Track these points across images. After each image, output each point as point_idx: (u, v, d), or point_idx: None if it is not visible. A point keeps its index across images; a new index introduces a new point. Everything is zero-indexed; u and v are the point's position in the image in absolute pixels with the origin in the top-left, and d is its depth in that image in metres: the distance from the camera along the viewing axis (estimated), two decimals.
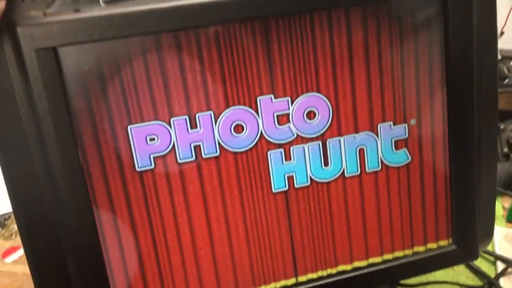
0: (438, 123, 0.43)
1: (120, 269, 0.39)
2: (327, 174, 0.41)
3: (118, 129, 0.36)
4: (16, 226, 0.78)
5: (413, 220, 0.45)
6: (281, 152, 0.40)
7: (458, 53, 0.41)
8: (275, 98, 0.38)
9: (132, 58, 0.35)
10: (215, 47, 0.36)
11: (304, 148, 0.40)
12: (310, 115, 0.39)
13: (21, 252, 0.73)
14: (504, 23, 0.90)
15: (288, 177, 0.40)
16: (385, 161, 0.42)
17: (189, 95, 0.37)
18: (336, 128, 0.40)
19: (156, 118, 0.36)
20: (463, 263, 0.63)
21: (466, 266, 0.64)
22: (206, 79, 0.37)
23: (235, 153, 0.39)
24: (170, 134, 0.37)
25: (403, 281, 0.60)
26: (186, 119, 0.37)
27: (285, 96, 0.38)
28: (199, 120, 0.37)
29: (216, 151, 0.38)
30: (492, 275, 0.62)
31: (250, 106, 0.38)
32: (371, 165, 0.42)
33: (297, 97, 0.39)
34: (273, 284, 0.43)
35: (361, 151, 0.41)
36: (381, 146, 0.42)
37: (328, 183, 0.42)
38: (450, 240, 0.47)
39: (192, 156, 0.38)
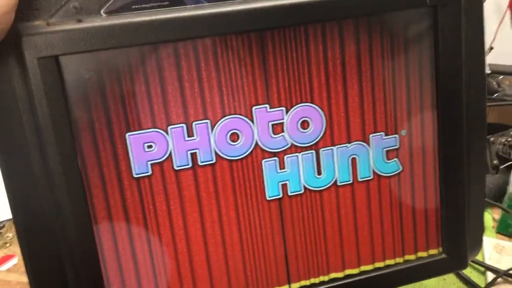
0: (429, 135, 0.44)
1: (116, 274, 0.39)
2: (320, 182, 0.42)
3: (116, 136, 0.37)
4: (11, 235, 0.78)
5: (404, 229, 0.46)
6: (275, 161, 0.41)
7: (448, 67, 0.42)
8: (270, 108, 0.39)
9: (131, 67, 0.36)
10: (212, 58, 0.37)
11: (298, 157, 0.41)
12: (304, 124, 0.41)
13: (15, 260, 0.73)
14: (493, 39, 0.92)
15: (282, 185, 0.41)
16: (376, 171, 0.43)
17: (187, 104, 0.38)
18: (329, 137, 0.41)
19: (154, 126, 0.37)
20: (453, 271, 0.64)
21: (457, 276, 0.65)
22: (203, 88, 0.38)
23: (231, 161, 0.40)
24: (167, 142, 0.38)
25: None
26: (183, 127, 0.38)
27: (280, 106, 0.39)
28: (196, 128, 0.38)
29: (212, 159, 0.39)
30: (482, 285, 0.63)
31: (246, 116, 0.39)
32: (363, 174, 0.43)
33: (291, 107, 0.40)
34: None
35: (353, 160, 0.43)
36: (372, 155, 0.43)
37: (321, 191, 0.42)
38: (440, 249, 0.48)
39: (188, 164, 0.39)
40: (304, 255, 0.44)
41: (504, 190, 0.79)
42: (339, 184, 0.43)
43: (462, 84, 0.42)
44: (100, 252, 0.39)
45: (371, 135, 0.42)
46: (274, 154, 0.40)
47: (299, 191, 0.42)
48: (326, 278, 0.45)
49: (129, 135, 0.37)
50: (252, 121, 0.39)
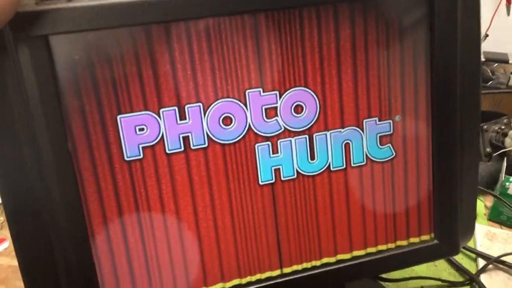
0: (422, 121, 0.44)
1: (107, 258, 0.39)
2: (313, 167, 0.42)
3: (107, 119, 0.36)
4: (2, 218, 0.78)
5: (396, 214, 0.46)
6: (268, 145, 0.40)
7: (443, 53, 0.42)
8: (263, 91, 0.39)
9: (122, 48, 0.35)
10: (205, 40, 0.37)
11: (291, 141, 0.41)
12: (298, 109, 0.40)
13: (6, 244, 0.73)
14: (488, 26, 0.92)
15: (275, 170, 0.41)
16: (370, 156, 0.43)
17: (179, 86, 0.37)
18: (323, 122, 0.41)
19: (146, 109, 0.37)
20: (445, 257, 0.64)
21: (448, 262, 0.66)
22: (195, 71, 0.37)
23: (223, 145, 0.39)
24: (159, 125, 0.37)
25: (386, 276, 0.61)
26: (175, 110, 0.37)
27: (273, 89, 0.39)
28: (188, 112, 0.38)
29: (205, 143, 0.39)
30: (473, 271, 0.63)
31: (239, 99, 0.39)
32: (356, 160, 0.43)
33: (285, 91, 0.39)
34: (258, 275, 0.44)
35: (347, 146, 0.42)
36: (366, 141, 0.43)
37: (314, 176, 0.42)
38: (432, 235, 0.48)
39: (180, 147, 0.38)
40: (297, 240, 0.44)
41: (497, 177, 0.79)
42: (332, 169, 0.43)
43: (457, 70, 0.42)
44: (91, 236, 0.38)
45: (365, 120, 0.42)
46: (267, 139, 0.40)
47: (292, 176, 0.42)
48: (318, 263, 0.45)
49: (120, 118, 0.37)
50: (245, 105, 0.39)
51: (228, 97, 0.38)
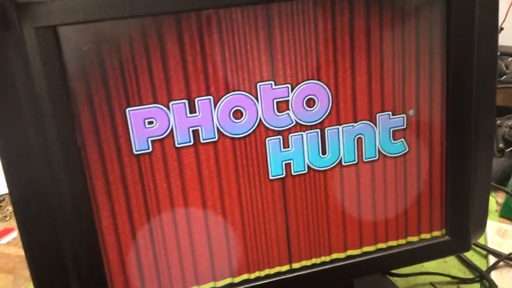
0: (436, 115, 0.43)
1: (115, 251, 0.39)
2: (325, 162, 0.41)
3: (116, 112, 0.36)
4: (10, 208, 0.78)
5: (407, 210, 0.45)
6: (279, 139, 0.40)
7: (459, 46, 0.41)
8: (275, 84, 0.38)
9: (132, 40, 0.35)
10: (216, 31, 0.36)
11: (302, 135, 0.40)
12: (310, 102, 0.39)
13: (15, 234, 0.73)
14: (503, 19, 0.90)
15: (285, 164, 0.40)
16: (382, 151, 0.42)
17: (189, 79, 0.36)
18: (335, 116, 0.40)
19: (155, 102, 0.36)
20: (456, 254, 0.63)
21: (458, 259, 0.65)
22: (206, 63, 0.36)
23: (234, 139, 0.39)
24: (169, 118, 0.37)
25: (395, 271, 0.60)
26: (185, 103, 0.37)
27: (285, 83, 0.38)
28: (198, 105, 0.37)
29: (215, 136, 0.38)
30: (484, 268, 0.62)
31: (250, 92, 0.38)
32: (368, 155, 0.42)
33: (297, 84, 0.39)
34: (267, 271, 0.43)
35: (359, 140, 0.42)
36: (379, 135, 0.42)
37: (325, 171, 0.42)
38: (444, 231, 0.47)
39: (190, 141, 0.38)
40: (306, 235, 0.43)
41: (509, 173, 0.78)
42: (343, 164, 0.42)
43: (473, 64, 0.41)
44: (99, 228, 0.38)
45: (378, 115, 0.41)
46: (278, 133, 0.39)
47: (303, 170, 0.41)
48: (327, 258, 0.45)
49: (129, 111, 0.36)
50: (257, 98, 0.38)
51: (239, 90, 0.38)
